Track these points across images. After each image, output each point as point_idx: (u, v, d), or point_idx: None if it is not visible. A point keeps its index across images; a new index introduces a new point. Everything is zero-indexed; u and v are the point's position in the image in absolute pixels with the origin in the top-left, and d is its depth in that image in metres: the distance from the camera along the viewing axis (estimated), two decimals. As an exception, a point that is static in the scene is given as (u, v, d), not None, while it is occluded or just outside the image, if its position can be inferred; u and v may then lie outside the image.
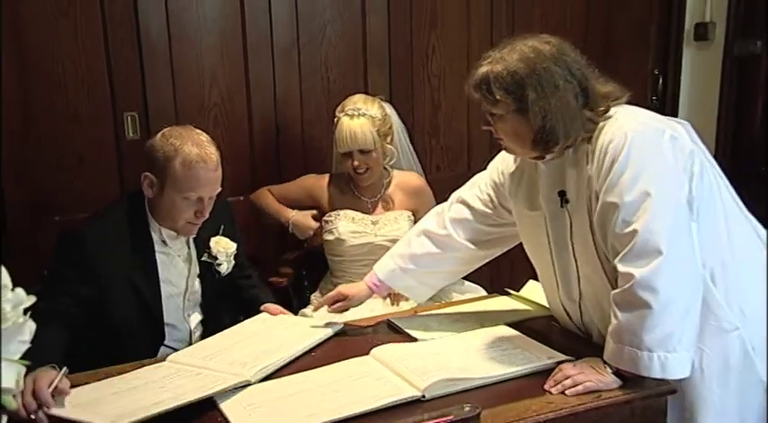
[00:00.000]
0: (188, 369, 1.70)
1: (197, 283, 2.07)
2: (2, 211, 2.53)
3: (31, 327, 0.87)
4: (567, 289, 1.84)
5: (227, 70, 2.76)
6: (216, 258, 2.07)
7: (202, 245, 2.07)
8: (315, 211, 2.53)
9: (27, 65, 2.50)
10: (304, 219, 2.53)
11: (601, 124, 1.66)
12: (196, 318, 2.08)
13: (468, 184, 2.06)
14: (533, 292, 2.16)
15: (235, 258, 2.12)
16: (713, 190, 1.69)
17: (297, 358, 1.81)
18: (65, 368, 1.60)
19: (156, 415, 1.47)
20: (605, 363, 1.64)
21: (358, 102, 2.46)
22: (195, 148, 1.88)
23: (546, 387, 1.62)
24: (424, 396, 1.57)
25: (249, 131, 2.83)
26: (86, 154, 2.62)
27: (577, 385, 1.60)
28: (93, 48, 2.57)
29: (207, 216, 1.96)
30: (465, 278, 2.66)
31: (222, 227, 2.09)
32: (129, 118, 2.65)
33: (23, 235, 2.54)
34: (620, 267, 1.58)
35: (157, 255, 1.98)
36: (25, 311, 0.87)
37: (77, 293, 1.86)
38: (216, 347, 1.84)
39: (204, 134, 1.96)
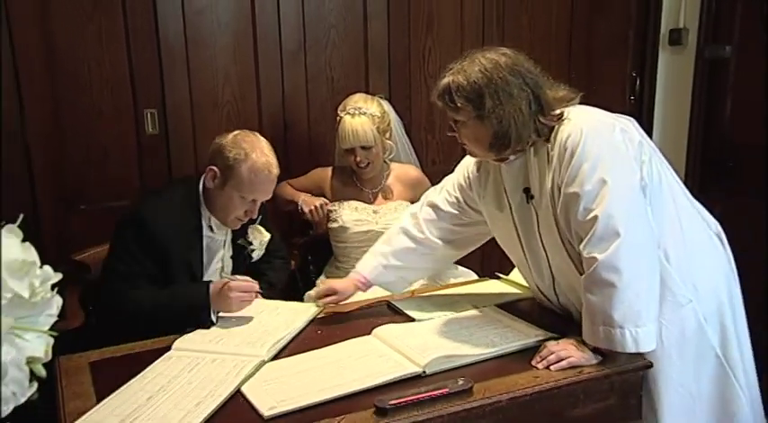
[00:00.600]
0: (201, 356, 1.68)
1: (230, 262, 2.12)
2: (33, 199, 2.53)
3: (58, 301, 0.87)
4: (541, 276, 1.87)
5: (239, 70, 2.76)
6: (251, 243, 2.10)
7: (241, 230, 2.11)
8: (322, 200, 2.54)
9: (56, 66, 2.50)
10: (311, 198, 2.53)
11: (558, 126, 1.68)
12: None
13: (437, 187, 2.10)
14: (521, 275, 2.17)
15: (267, 247, 2.16)
16: (662, 177, 1.74)
17: (302, 337, 1.83)
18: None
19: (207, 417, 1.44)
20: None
21: (358, 101, 2.46)
22: (263, 156, 1.96)
23: (533, 363, 1.65)
24: (424, 372, 1.59)
25: (259, 127, 2.82)
26: (110, 148, 2.63)
27: (561, 361, 1.63)
28: (115, 50, 2.57)
29: (255, 217, 2.02)
30: (457, 263, 2.69)
31: (261, 217, 2.14)
32: (148, 114, 2.65)
33: (52, 222, 2.55)
34: (585, 253, 1.61)
35: (205, 237, 2.03)
36: (53, 287, 0.87)
37: (147, 272, 1.92)
38: (215, 332, 1.83)
39: (267, 142, 2.03)
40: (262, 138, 2.05)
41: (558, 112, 1.69)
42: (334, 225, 2.54)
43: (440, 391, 1.51)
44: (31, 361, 0.81)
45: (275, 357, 1.71)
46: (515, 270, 2.24)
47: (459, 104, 1.66)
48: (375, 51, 2.94)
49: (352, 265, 2.51)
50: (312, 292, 2.47)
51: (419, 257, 2.04)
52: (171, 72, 2.66)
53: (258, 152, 1.96)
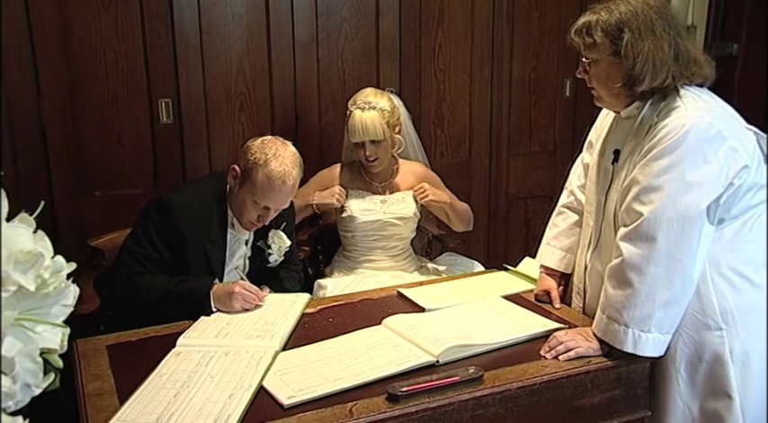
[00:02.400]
0: (211, 350, 1.66)
1: (248, 263, 2.11)
2: (49, 185, 2.53)
3: (74, 291, 0.86)
4: (584, 251, 1.85)
5: (252, 61, 2.75)
6: (269, 247, 2.09)
7: (262, 232, 2.10)
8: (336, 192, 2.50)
9: (72, 54, 2.50)
10: (323, 191, 2.50)
11: (671, 105, 1.62)
12: None
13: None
14: (528, 267, 2.18)
15: (286, 255, 2.15)
16: (750, 210, 1.64)
17: (314, 326, 1.84)
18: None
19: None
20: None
21: (369, 95, 2.45)
22: (281, 166, 1.92)
23: (541, 352, 1.65)
24: (438, 361, 1.59)
25: (271, 117, 2.83)
26: (124, 136, 2.63)
27: (569, 351, 1.63)
28: (131, 39, 2.56)
29: (266, 223, 2.00)
30: (464, 255, 2.69)
31: (285, 223, 2.12)
32: (163, 104, 2.64)
33: (67, 208, 2.55)
34: (619, 242, 1.60)
35: (228, 234, 2.02)
36: (68, 277, 0.86)
37: (160, 258, 1.92)
38: (217, 326, 1.81)
39: (294, 153, 1.99)
40: (291, 148, 2.00)
41: (689, 74, 1.62)
42: (343, 214, 2.54)
43: (451, 379, 1.51)
44: (45, 352, 0.80)
45: (284, 347, 1.71)
46: (524, 262, 2.24)
47: (596, 38, 1.61)
48: (386, 45, 2.93)
49: (359, 253, 2.53)
50: (323, 281, 2.48)
51: (576, 224, 1.98)
52: (185, 62, 2.65)
53: (279, 161, 1.92)
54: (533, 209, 3.36)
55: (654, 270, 1.55)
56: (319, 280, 2.49)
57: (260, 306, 1.90)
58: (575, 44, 1.68)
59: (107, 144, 2.60)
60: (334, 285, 2.43)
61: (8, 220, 0.81)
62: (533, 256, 2.13)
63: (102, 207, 2.59)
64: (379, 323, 1.80)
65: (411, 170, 2.60)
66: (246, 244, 2.09)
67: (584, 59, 1.68)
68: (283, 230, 2.13)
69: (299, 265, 2.34)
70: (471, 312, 1.88)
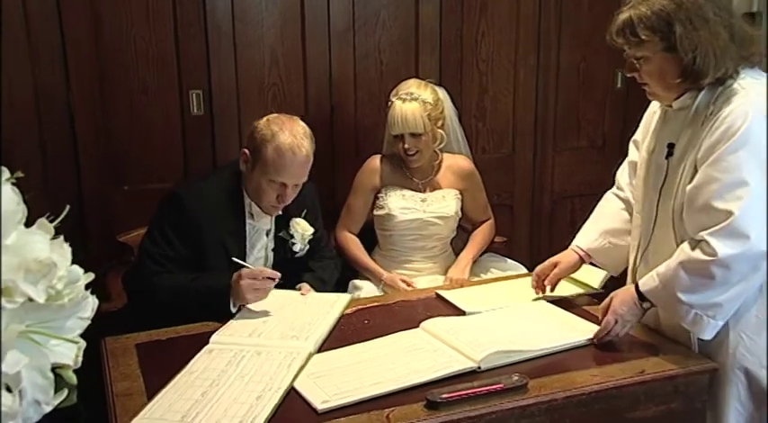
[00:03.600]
0: (243, 349, 1.68)
1: (272, 255, 2.11)
2: (77, 178, 2.57)
3: (93, 303, 0.84)
4: (635, 248, 1.83)
5: (286, 51, 2.76)
6: (292, 237, 2.10)
7: (284, 223, 2.10)
8: (402, 277, 2.43)
9: (102, 42, 2.53)
10: (393, 279, 2.41)
11: (730, 90, 1.59)
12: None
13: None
14: (587, 275, 2.13)
15: (310, 242, 2.14)
16: None
17: (350, 328, 1.83)
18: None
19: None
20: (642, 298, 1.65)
21: (411, 86, 2.44)
22: (290, 137, 1.92)
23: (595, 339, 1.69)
24: (479, 367, 1.58)
25: (305, 109, 2.83)
26: (154, 128, 2.65)
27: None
28: (162, 28, 2.58)
29: (288, 202, 1.99)
30: (507, 256, 2.66)
31: (305, 211, 2.12)
32: (194, 95, 2.67)
33: (95, 201, 2.58)
34: (709, 239, 1.55)
35: (247, 225, 2.03)
36: (86, 287, 0.84)
37: (178, 255, 1.93)
38: (252, 324, 1.82)
39: (304, 127, 1.99)
40: (299, 121, 2.01)
41: (747, 54, 1.59)
42: (380, 212, 2.53)
43: (494, 387, 1.49)
44: (58, 367, 0.79)
45: (319, 349, 1.71)
46: (582, 269, 2.20)
47: (643, 37, 1.58)
48: (426, 33, 2.91)
49: (397, 253, 2.51)
50: (358, 282, 2.47)
51: (624, 216, 1.97)
52: (217, 52, 2.66)
53: (286, 133, 1.93)
54: (580, 208, 3.30)
55: (741, 266, 1.55)
56: (354, 280, 2.48)
57: (276, 281, 1.88)
58: (617, 44, 1.65)
59: (136, 135, 2.63)
60: (371, 288, 2.43)
61: (27, 225, 0.79)
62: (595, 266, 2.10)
63: (131, 201, 2.61)
64: (417, 326, 1.79)
65: (455, 163, 2.58)
66: (267, 235, 2.09)
67: (633, 60, 1.65)
68: (305, 218, 2.12)
69: (333, 251, 2.33)
70: (516, 316, 1.86)
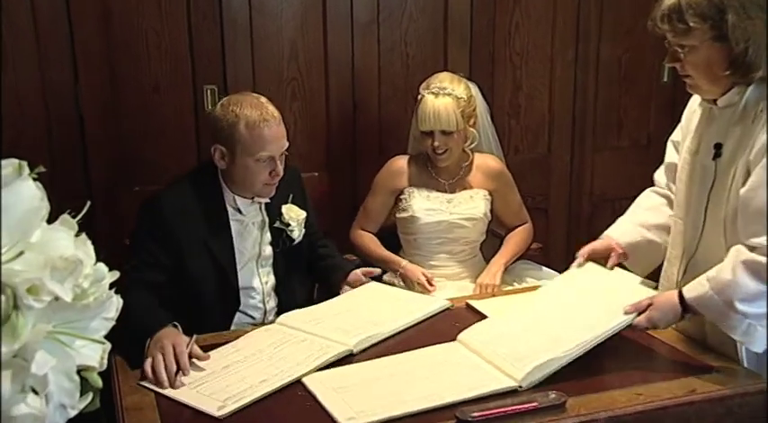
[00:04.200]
0: (294, 334, 1.81)
1: (268, 248, 2.12)
2: (86, 178, 2.60)
3: (117, 303, 0.86)
4: (678, 258, 1.81)
5: (307, 44, 2.76)
6: (288, 225, 2.11)
7: (274, 212, 2.12)
8: (424, 270, 2.43)
9: (112, 34, 2.55)
10: (414, 271, 2.42)
11: None
12: (271, 281, 2.13)
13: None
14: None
15: (306, 226, 2.16)
16: None
17: (386, 338, 1.83)
18: (194, 336, 1.70)
19: (262, 396, 1.54)
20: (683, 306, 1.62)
21: (444, 80, 2.41)
22: (255, 109, 1.96)
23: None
24: (520, 387, 1.55)
25: (326, 106, 2.83)
26: (166, 126, 2.67)
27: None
28: (175, 20, 2.60)
29: (281, 174, 2.01)
30: (542, 264, 2.63)
31: (291, 196, 2.15)
32: (208, 91, 2.68)
33: (104, 203, 2.60)
34: None
35: (231, 222, 2.04)
36: (110, 286, 0.86)
37: (159, 262, 1.94)
38: (324, 313, 1.94)
39: (261, 96, 2.03)
40: (252, 93, 2.06)
41: None
42: (404, 215, 2.51)
43: (529, 405, 1.46)
44: (83, 370, 0.80)
45: (365, 350, 1.75)
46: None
47: (691, 24, 1.56)
48: (456, 25, 2.89)
49: (422, 258, 2.49)
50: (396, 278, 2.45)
51: (663, 213, 1.95)
52: (233, 45, 2.67)
53: (248, 108, 1.95)
54: (621, 212, 3.22)
55: None
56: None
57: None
58: (661, 31, 1.62)
59: (148, 134, 2.65)
60: (389, 283, 2.41)
61: (49, 222, 0.81)
62: (624, 268, 2.06)
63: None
64: (454, 339, 1.77)
65: (485, 164, 2.55)
66: (262, 229, 2.10)
67: (677, 49, 1.62)
68: (292, 202, 2.15)
69: (326, 238, 2.35)
70: (553, 303, 1.83)
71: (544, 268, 2.59)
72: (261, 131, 1.94)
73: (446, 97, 2.37)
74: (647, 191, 2.03)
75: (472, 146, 2.51)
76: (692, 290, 1.62)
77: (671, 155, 1.94)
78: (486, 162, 2.57)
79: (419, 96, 2.43)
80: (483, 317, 1.92)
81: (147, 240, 1.95)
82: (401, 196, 2.53)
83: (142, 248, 1.95)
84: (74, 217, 0.85)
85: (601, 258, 1.95)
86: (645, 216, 1.97)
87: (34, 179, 0.80)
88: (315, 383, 1.58)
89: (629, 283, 1.83)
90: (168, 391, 1.56)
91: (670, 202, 1.93)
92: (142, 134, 2.65)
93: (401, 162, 2.54)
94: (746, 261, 1.56)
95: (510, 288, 2.42)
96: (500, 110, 3.01)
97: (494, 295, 2.16)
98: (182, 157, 2.68)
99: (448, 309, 2.01)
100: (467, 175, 2.54)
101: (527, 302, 1.89)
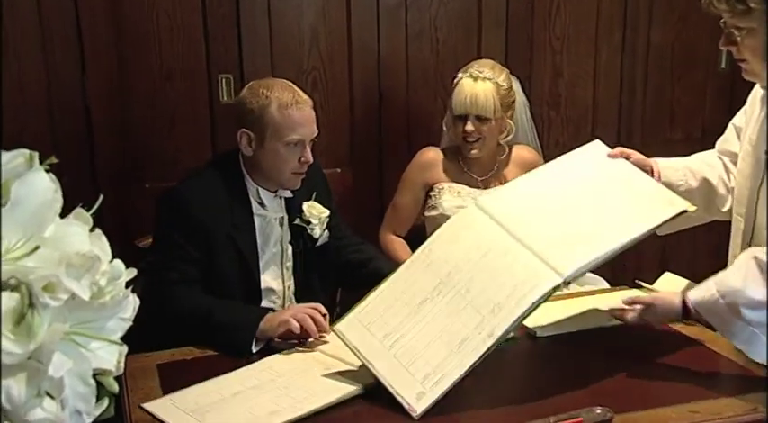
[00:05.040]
0: (324, 360, 1.74)
1: (290, 248, 2.13)
2: (92, 175, 2.64)
3: (134, 302, 0.86)
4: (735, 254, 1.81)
5: (329, 30, 2.77)
6: (309, 223, 2.13)
7: (295, 209, 2.13)
8: None
9: (121, 20, 2.58)
10: None
11: None
12: (292, 284, 2.14)
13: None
14: (670, 285, 2.09)
15: (328, 227, 2.17)
16: None
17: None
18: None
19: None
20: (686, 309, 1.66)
21: (485, 66, 2.42)
22: (286, 91, 2.01)
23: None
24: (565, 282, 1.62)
25: (350, 97, 2.84)
26: (178, 118, 2.70)
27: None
28: (188, 4, 2.63)
29: (311, 160, 2.05)
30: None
31: (315, 193, 2.16)
32: (223, 80, 2.70)
33: (113, 201, 2.63)
34: None
35: (255, 216, 2.07)
36: (126, 285, 0.86)
37: (192, 257, 1.97)
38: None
39: (287, 81, 2.07)
40: (279, 79, 2.10)
41: None
42: (433, 213, 2.51)
43: (573, 421, 1.47)
44: (99, 373, 0.80)
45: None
46: (663, 278, 2.16)
47: (752, 5, 1.56)
48: (490, 7, 2.89)
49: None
50: None
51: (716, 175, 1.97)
52: (250, 31, 2.69)
53: (279, 90, 2.01)
54: (673, 212, 3.23)
55: None
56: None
57: (323, 336, 1.84)
58: (717, 11, 1.63)
59: (159, 127, 2.68)
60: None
61: (62, 216, 0.82)
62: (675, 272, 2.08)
63: (152, 201, 2.66)
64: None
65: (520, 156, 2.55)
66: (282, 225, 2.12)
67: (733, 31, 1.62)
68: (316, 200, 2.16)
69: (359, 237, 2.33)
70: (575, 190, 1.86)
71: (588, 273, 2.57)
72: (292, 113, 1.99)
73: (486, 81, 2.38)
74: (712, 151, 2.03)
75: (508, 138, 2.50)
76: (698, 293, 1.65)
77: (730, 139, 1.94)
78: (521, 154, 2.56)
79: (456, 79, 2.43)
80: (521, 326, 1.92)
81: (174, 236, 1.98)
82: (431, 193, 2.53)
83: (172, 244, 1.98)
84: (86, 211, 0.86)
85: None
86: (700, 167, 1.97)
87: (46, 170, 0.81)
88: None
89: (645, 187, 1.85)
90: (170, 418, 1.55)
91: (726, 171, 1.95)
92: (153, 126, 2.68)
93: (431, 154, 2.54)
94: (758, 265, 1.56)
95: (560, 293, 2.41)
96: (539, 100, 3.01)
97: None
98: (195, 150, 2.71)
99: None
100: (502, 169, 2.53)
101: (541, 181, 1.91)
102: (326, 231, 2.18)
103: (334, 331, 1.73)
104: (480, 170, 2.52)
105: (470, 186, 2.51)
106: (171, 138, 2.70)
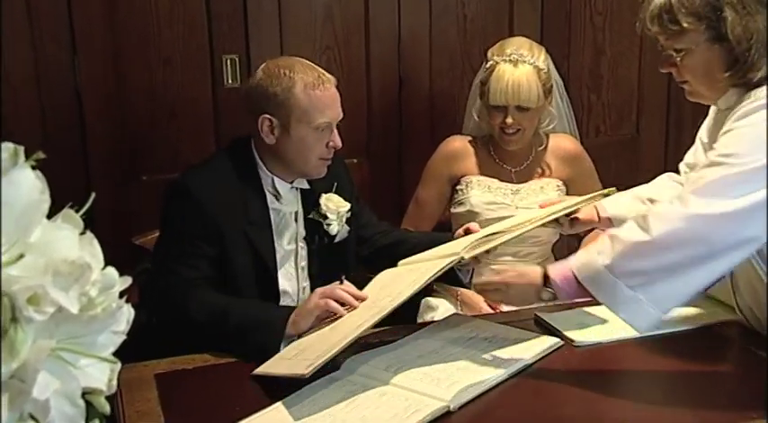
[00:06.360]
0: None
1: (305, 245, 2.14)
2: (85, 167, 2.66)
3: (128, 314, 0.85)
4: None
5: (344, 6, 2.78)
6: (325, 217, 2.13)
7: (312, 203, 2.13)
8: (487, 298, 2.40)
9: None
10: (472, 296, 2.41)
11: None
12: (307, 287, 2.14)
13: None
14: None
15: (348, 222, 2.17)
16: None
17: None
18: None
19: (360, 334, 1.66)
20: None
21: (522, 46, 2.39)
22: (310, 70, 2.02)
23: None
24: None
25: (367, 82, 2.84)
26: (178, 104, 2.70)
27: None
28: (189, -21, 2.64)
29: (341, 145, 2.07)
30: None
31: (336, 184, 2.15)
32: (228, 61, 2.71)
33: (107, 195, 2.65)
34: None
35: (270, 210, 2.07)
36: (121, 294, 0.85)
37: (205, 253, 1.98)
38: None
39: (304, 60, 2.08)
40: (296, 57, 2.10)
41: None
42: (460, 209, 2.50)
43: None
44: (89, 393, 0.80)
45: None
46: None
47: (685, 25, 1.65)
48: (524, -21, 2.89)
49: (482, 262, 2.47)
50: (433, 300, 2.45)
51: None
52: (257, 7, 2.69)
53: (301, 70, 2.01)
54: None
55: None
56: (428, 298, 2.47)
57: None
58: (651, 34, 1.72)
59: (157, 114, 2.69)
60: (448, 307, 2.41)
61: (49, 217, 0.81)
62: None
63: (151, 195, 2.67)
64: None
65: (558, 146, 2.53)
66: (297, 220, 2.12)
67: (672, 53, 1.71)
68: (336, 192, 2.15)
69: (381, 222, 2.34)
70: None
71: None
72: (320, 94, 2.00)
73: (527, 66, 2.36)
74: (664, 176, 2.13)
75: (550, 126, 2.49)
76: (583, 267, 1.71)
77: (696, 153, 2.02)
78: (560, 144, 2.55)
79: (488, 64, 2.41)
80: (555, 332, 1.92)
81: (185, 230, 1.98)
82: (458, 186, 2.52)
83: (183, 240, 1.98)
84: (75, 211, 0.84)
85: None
86: (645, 189, 2.07)
87: (33, 167, 0.79)
88: None
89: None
90: (272, 369, 1.70)
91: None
92: (151, 114, 2.69)
93: (458, 143, 2.54)
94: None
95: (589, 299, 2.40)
96: (577, 82, 3.00)
97: (569, 307, 2.15)
98: (197, 139, 2.73)
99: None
100: (539, 161, 2.52)
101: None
102: (346, 227, 2.17)
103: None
104: (514, 161, 2.51)
105: (502, 180, 2.50)
106: (170, 125, 2.71)
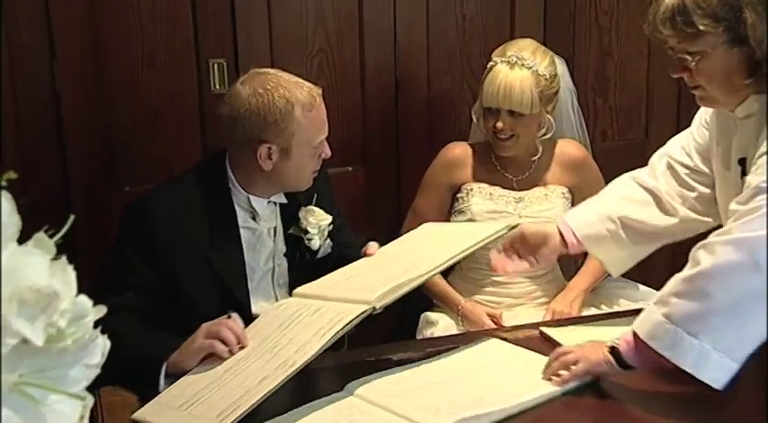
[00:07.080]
0: (309, 304, 1.83)
1: (284, 262, 2.14)
2: (64, 178, 2.64)
3: (103, 346, 0.84)
4: None
5: (337, 6, 2.78)
6: (306, 232, 2.13)
7: (291, 216, 2.13)
8: (488, 310, 2.45)
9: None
10: (473, 310, 2.44)
11: None
12: None
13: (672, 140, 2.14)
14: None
15: (330, 236, 2.17)
16: None
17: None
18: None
19: (260, 400, 1.59)
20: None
21: (525, 49, 2.40)
22: (300, 88, 2.02)
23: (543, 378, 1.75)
24: None
25: (360, 83, 2.84)
26: (162, 110, 2.70)
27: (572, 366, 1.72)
28: (173, -27, 2.63)
29: (330, 154, 2.10)
30: (639, 281, 2.60)
31: (316, 196, 2.16)
32: (215, 66, 2.71)
33: (87, 208, 2.65)
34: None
35: (242, 231, 2.06)
36: (95, 325, 0.83)
37: (144, 282, 1.97)
38: (350, 273, 1.97)
39: (285, 73, 2.08)
40: (269, 70, 2.09)
41: None
42: (460, 218, 2.50)
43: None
44: None
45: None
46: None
47: (701, 27, 1.64)
48: (526, -23, 2.90)
49: (483, 274, 2.48)
50: (432, 314, 2.45)
51: (646, 210, 2.05)
52: (246, 9, 2.70)
53: (292, 88, 2.00)
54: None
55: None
56: (428, 313, 2.48)
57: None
58: (662, 37, 1.71)
59: (141, 120, 2.68)
60: (448, 322, 2.41)
61: (20, 241, 0.79)
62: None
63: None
64: None
65: (560, 154, 2.54)
66: (275, 236, 2.12)
67: (685, 56, 1.70)
68: (316, 205, 2.16)
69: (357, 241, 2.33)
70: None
71: (641, 287, 2.57)
72: (317, 113, 2.02)
73: (523, 70, 2.36)
74: (627, 178, 2.09)
75: (547, 136, 2.49)
76: (641, 322, 1.68)
77: (678, 153, 2.04)
78: (565, 150, 2.56)
79: (489, 64, 2.42)
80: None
81: (131, 257, 1.98)
82: (458, 194, 2.53)
83: (124, 264, 1.98)
84: (51, 235, 0.83)
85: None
86: (606, 207, 2.05)
87: (2, 188, 0.78)
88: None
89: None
90: (157, 419, 1.64)
91: (657, 202, 2.03)
92: (133, 121, 2.69)
93: (458, 150, 2.55)
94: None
95: (597, 312, 2.40)
96: (583, 84, 3.00)
97: (574, 322, 2.15)
98: (182, 147, 2.72)
99: (513, 228, 2.03)
100: (542, 169, 2.53)
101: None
102: (328, 241, 2.17)
103: None
104: (516, 169, 2.52)
105: (504, 187, 2.51)
106: (154, 133, 2.71)
